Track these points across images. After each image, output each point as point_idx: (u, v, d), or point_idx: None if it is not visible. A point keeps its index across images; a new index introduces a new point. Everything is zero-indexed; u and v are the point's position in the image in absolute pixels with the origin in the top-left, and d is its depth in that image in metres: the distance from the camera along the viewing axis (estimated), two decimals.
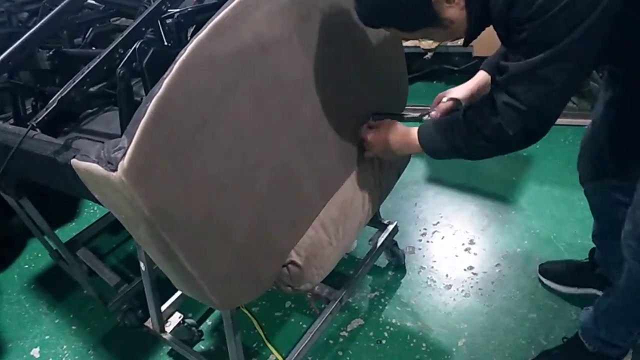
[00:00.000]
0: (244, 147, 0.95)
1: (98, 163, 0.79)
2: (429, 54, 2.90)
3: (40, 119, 0.86)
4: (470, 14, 0.93)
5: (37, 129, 0.91)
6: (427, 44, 2.88)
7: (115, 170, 0.76)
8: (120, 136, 0.80)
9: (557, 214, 1.93)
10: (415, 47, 2.90)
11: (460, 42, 1.06)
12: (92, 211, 2.77)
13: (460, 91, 1.26)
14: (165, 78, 0.82)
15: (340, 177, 1.25)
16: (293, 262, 1.09)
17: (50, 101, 0.93)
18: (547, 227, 1.89)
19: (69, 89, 0.91)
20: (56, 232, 1.99)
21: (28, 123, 0.88)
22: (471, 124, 1.00)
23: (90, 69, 0.95)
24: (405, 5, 0.91)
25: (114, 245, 2.44)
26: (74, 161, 0.84)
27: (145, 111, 0.78)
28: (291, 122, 1.06)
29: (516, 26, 0.88)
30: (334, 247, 1.18)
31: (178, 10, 1.16)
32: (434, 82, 3.19)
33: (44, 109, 0.91)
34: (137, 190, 0.78)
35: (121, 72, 0.96)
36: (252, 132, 0.97)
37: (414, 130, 1.13)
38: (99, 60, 0.98)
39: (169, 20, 1.22)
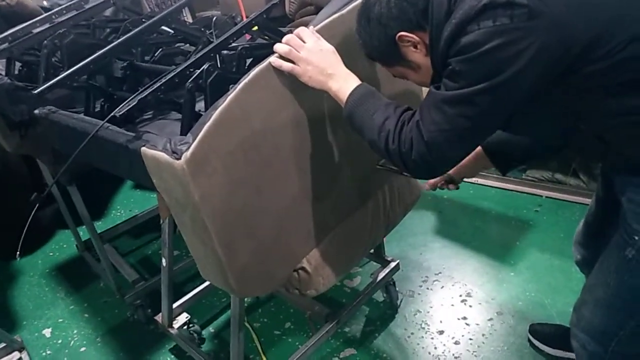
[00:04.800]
0: (280, 161, 1.12)
1: (165, 152, 0.97)
2: None
3: (122, 112, 1.05)
4: (432, 62, 0.98)
5: (115, 120, 1.09)
6: None
7: (179, 159, 0.93)
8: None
9: (554, 282, 2.02)
10: None
11: None
12: (118, 214, 2.95)
13: None
14: (229, 94, 1.00)
15: (354, 206, 1.41)
16: (303, 269, 1.24)
17: (130, 99, 1.12)
18: (543, 293, 1.98)
19: (147, 92, 1.11)
20: (82, 228, 2.17)
21: (113, 114, 1.06)
22: (396, 125, 0.99)
23: (166, 79, 1.15)
24: (379, 43, 1.02)
25: (134, 247, 2.61)
26: (143, 149, 1.02)
27: (210, 117, 0.97)
28: (322, 150, 1.23)
29: (446, 62, 0.90)
30: (340, 262, 1.32)
31: (241, 44, 1.38)
32: None
33: (124, 105, 1.09)
34: (192, 178, 0.94)
35: (190, 85, 1.16)
36: (288, 152, 1.14)
37: (352, 84, 1.05)
38: (174, 73, 1.18)
39: (224, 52, 1.43)
